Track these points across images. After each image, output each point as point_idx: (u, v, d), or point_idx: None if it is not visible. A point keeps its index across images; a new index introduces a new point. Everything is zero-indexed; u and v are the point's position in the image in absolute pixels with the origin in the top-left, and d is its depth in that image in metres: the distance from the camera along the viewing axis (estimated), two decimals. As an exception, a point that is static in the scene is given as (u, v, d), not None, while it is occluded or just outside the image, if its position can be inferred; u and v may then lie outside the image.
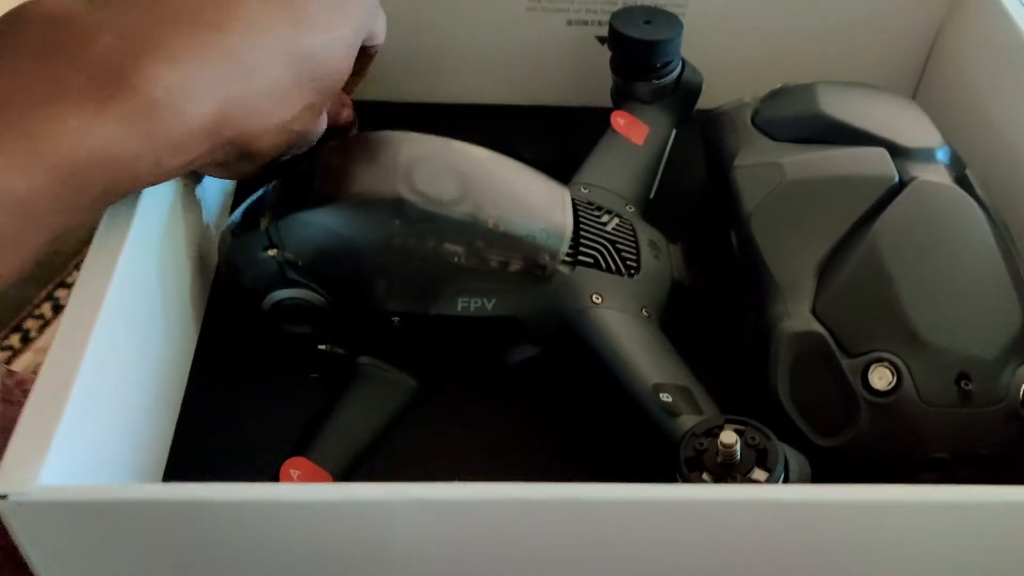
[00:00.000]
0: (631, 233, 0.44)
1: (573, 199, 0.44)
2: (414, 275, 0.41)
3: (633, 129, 0.50)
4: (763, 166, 0.43)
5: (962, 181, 0.42)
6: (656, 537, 0.30)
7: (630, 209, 0.46)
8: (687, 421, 0.36)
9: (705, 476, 0.33)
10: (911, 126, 0.44)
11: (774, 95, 0.48)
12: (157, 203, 0.38)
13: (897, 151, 0.42)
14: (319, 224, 0.40)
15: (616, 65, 0.52)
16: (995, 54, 0.51)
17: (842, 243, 0.39)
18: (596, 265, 0.42)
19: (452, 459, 0.41)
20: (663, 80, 0.51)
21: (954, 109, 0.54)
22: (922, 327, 0.36)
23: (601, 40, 0.56)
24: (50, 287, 1.19)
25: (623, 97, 0.52)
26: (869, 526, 0.30)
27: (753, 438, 0.34)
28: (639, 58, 0.50)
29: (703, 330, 0.45)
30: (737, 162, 0.44)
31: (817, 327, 0.38)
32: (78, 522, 0.29)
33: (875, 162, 0.41)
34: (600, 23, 0.56)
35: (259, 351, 0.44)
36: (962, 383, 0.36)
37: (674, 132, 0.52)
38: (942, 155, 0.43)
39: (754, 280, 0.41)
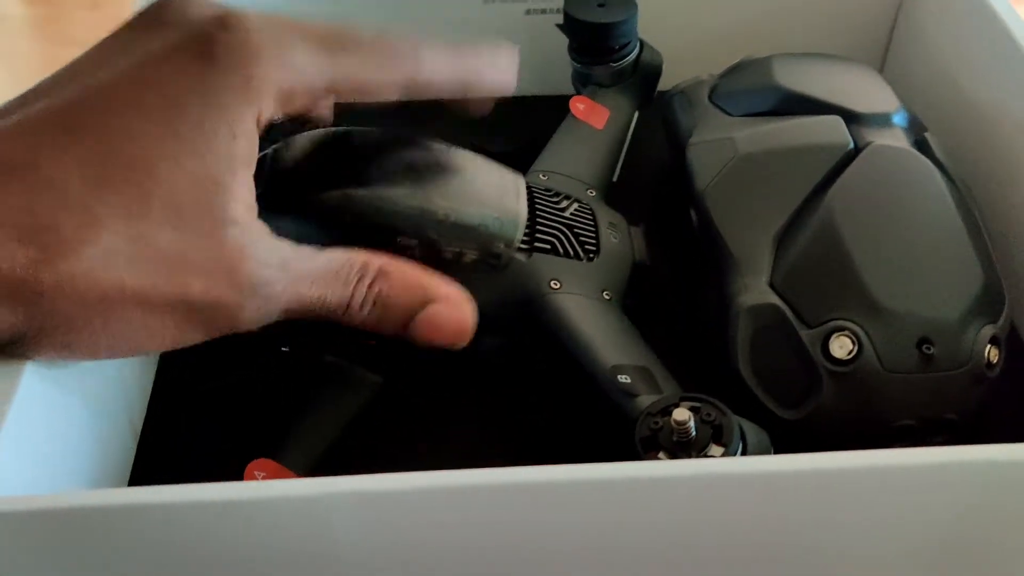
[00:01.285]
0: (590, 217, 0.43)
1: (529, 186, 0.43)
2: None
3: (593, 114, 0.50)
4: (716, 142, 0.42)
5: (921, 145, 0.41)
6: (611, 518, 0.30)
7: (591, 193, 0.46)
8: (645, 401, 0.36)
9: (661, 455, 0.33)
10: (867, 91, 0.43)
11: (731, 71, 0.48)
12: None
13: (852, 117, 0.41)
14: (274, 223, 0.39)
15: (574, 50, 0.51)
16: (959, 21, 0.50)
17: (798, 214, 0.39)
18: (553, 251, 0.41)
19: (421, 454, 0.41)
20: (621, 63, 0.51)
21: (922, 78, 0.53)
22: (881, 293, 0.36)
23: (561, 28, 0.56)
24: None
25: (583, 82, 0.52)
26: (827, 495, 0.29)
27: (709, 414, 0.33)
28: (595, 41, 0.50)
29: (666, 310, 0.44)
30: (692, 139, 0.44)
31: (774, 299, 0.37)
32: (23, 533, 0.28)
33: (829, 130, 0.41)
34: (558, 11, 0.55)
35: (223, 354, 0.44)
36: (924, 347, 0.35)
37: (636, 114, 0.52)
38: (899, 119, 0.42)
39: (713, 257, 0.40)
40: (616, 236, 0.43)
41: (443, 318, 0.37)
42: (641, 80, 0.52)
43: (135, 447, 0.41)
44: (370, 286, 0.36)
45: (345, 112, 0.41)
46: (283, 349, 0.44)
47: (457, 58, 0.39)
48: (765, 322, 0.37)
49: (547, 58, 0.56)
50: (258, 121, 0.34)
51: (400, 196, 0.40)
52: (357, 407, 0.42)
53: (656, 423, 0.33)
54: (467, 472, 0.28)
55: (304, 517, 0.29)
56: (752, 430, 0.34)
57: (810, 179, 0.39)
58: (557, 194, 0.44)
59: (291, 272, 0.35)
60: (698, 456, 0.32)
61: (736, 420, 0.33)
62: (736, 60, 0.50)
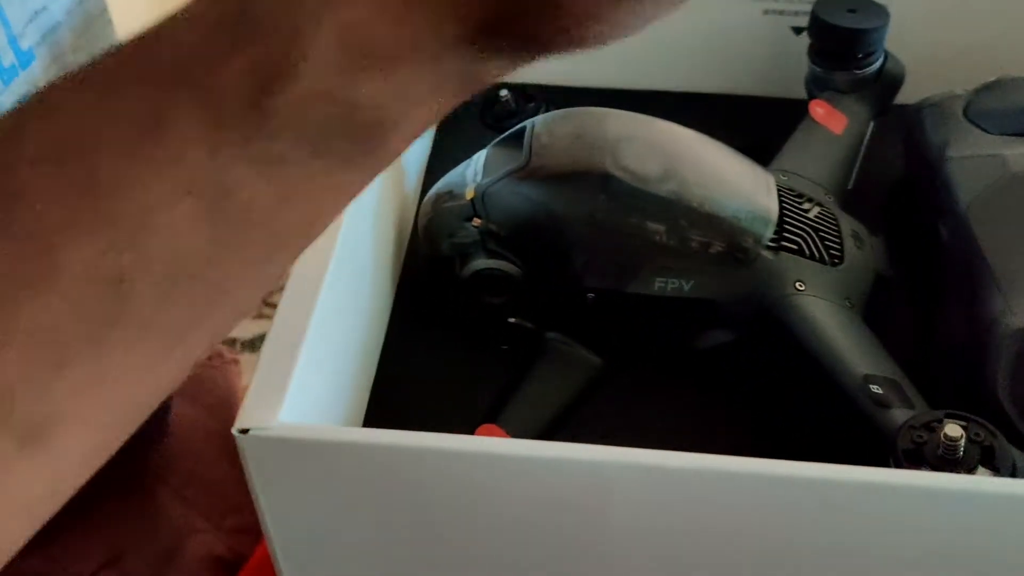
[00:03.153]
0: (834, 222, 0.43)
1: (778, 186, 0.43)
2: (614, 252, 0.41)
3: (832, 119, 0.49)
4: (981, 158, 0.41)
5: None
6: (877, 524, 0.29)
7: (829, 198, 0.45)
8: (899, 414, 0.35)
9: (924, 469, 0.32)
10: None
11: (989, 88, 0.46)
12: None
13: None
14: (525, 196, 0.40)
15: (816, 53, 0.51)
16: None
17: (1070, 239, 0.37)
18: (800, 252, 0.41)
19: (637, 440, 0.41)
20: (865, 70, 0.50)
21: None
22: None
23: (797, 30, 0.55)
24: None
25: (820, 86, 0.51)
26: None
27: (977, 434, 0.32)
28: (842, 47, 0.49)
29: (904, 324, 0.43)
30: (951, 153, 0.43)
31: (1043, 324, 0.36)
32: (305, 458, 0.30)
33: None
34: (796, 13, 0.55)
35: (451, 319, 0.45)
36: None
37: (872, 124, 0.51)
38: None
39: (967, 275, 0.39)
40: (859, 244, 0.43)
41: None
42: (881, 90, 0.50)
43: (367, 397, 0.42)
44: None
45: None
46: (510, 320, 0.44)
47: None
48: (1031, 347, 0.36)
49: (778, 61, 0.56)
50: None
51: (657, 180, 0.40)
52: (578, 387, 0.43)
53: (920, 436, 0.32)
54: (749, 461, 0.28)
55: (582, 482, 0.29)
56: (1020, 456, 0.33)
57: (1085, 205, 0.38)
58: (801, 195, 0.43)
59: None
60: (966, 474, 0.31)
61: (1008, 444, 0.32)
62: (977, 78, 0.48)
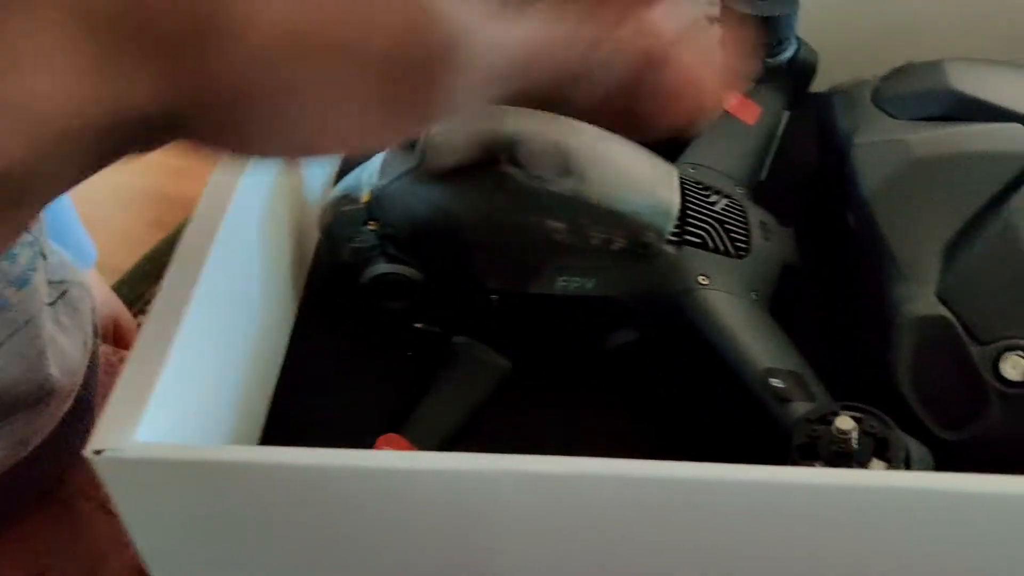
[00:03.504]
0: (741, 213, 0.42)
1: (682, 178, 0.42)
2: (514, 252, 0.39)
3: (745, 109, 0.48)
4: (885, 143, 0.40)
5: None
6: (765, 522, 0.28)
7: (740, 190, 0.44)
8: (799, 407, 0.34)
9: (818, 464, 0.31)
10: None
11: (896, 73, 0.46)
12: (261, 173, 0.38)
13: (1034, 126, 0.39)
14: (420, 197, 0.39)
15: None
16: None
17: (972, 223, 0.37)
18: (703, 245, 0.40)
19: (545, 444, 0.40)
20: (776, 59, 0.49)
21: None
22: (1063, 313, 0.33)
23: (711, 20, 0.54)
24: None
25: None
26: (1003, 519, 0.27)
27: (872, 426, 0.31)
28: (753, 35, 0.48)
29: (813, 315, 0.43)
30: (857, 140, 0.42)
31: (944, 311, 0.35)
32: (168, 479, 0.28)
33: (1010, 138, 0.38)
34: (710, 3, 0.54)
35: (356, 326, 0.43)
36: (1105, 375, 0.33)
37: (787, 114, 0.50)
38: (1084, 132, 0.40)
39: (873, 263, 0.38)
40: (767, 235, 0.42)
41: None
42: (795, 78, 0.50)
43: (266, 411, 0.41)
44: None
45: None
46: (416, 326, 0.43)
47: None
48: (932, 334, 0.35)
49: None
50: None
51: (555, 177, 0.39)
52: (485, 390, 0.42)
53: (814, 431, 0.32)
54: (635, 463, 0.27)
55: (469, 490, 0.28)
56: (915, 446, 0.32)
57: (988, 188, 0.37)
58: (708, 188, 0.42)
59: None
60: (858, 469, 0.31)
61: (902, 435, 0.31)
62: (888, 65, 0.47)
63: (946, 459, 0.34)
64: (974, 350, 0.34)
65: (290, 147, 0.23)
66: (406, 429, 0.39)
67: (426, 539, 0.30)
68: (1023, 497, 0.26)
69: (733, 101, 0.48)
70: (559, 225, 0.39)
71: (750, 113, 0.48)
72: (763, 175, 0.47)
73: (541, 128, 0.41)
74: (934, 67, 0.44)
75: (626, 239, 0.39)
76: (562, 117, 0.42)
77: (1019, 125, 0.39)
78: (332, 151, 0.24)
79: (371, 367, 0.43)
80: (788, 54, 0.49)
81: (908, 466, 0.31)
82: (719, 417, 0.39)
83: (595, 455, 0.39)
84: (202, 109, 0.21)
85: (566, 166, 0.39)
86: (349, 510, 0.29)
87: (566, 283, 0.40)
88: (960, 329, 0.35)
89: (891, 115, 0.43)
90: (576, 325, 0.42)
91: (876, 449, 0.31)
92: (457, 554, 0.30)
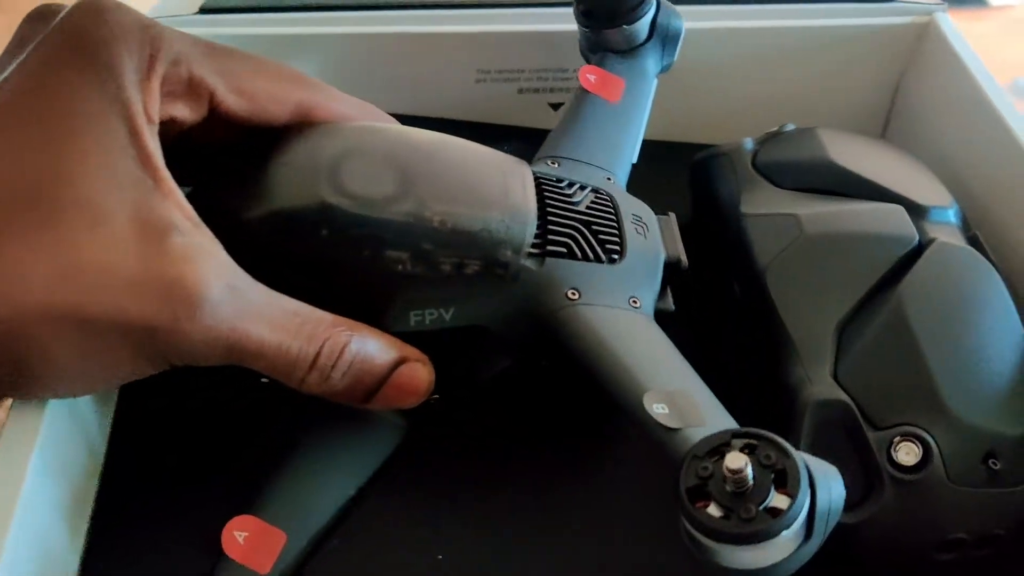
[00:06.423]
0: (610, 209, 0.37)
1: (537, 176, 0.37)
2: (354, 292, 0.34)
3: (607, 85, 0.44)
4: (777, 216, 0.40)
5: (975, 242, 0.41)
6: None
7: (609, 180, 0.40)
8: (692, 435, 0.29)
9: (712, 508, 0.26)
10: (921, 183, 0.42)
11: (773, 138, 0.46)
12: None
13: (912, 208, 0.40)
14: (243, 244, 0.33)
15: (583, 14, 0.45)
16: (954, 106, 0.49)
17: (863, 304, 0.37)
18: (570, 254, 0.35)
19: (425, 497, 0.36)
20: (635, 24, 0.44)
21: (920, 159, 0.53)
22: (953, 401, 0.34)
23: (554, 107, 0.53)
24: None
25: (593, 50, 0.46)
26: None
27: (768, 456, 0.26)
28: (606, 1, 0.44)
29: (705, 312, 0.40)
30: (745, 209, 0.42)
31: (842, 395, 0.35)
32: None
33: (895, 220, 0.39)
34: (551, 90, 0.53)
35: (191, 394, 0.38)
36: (990, 462, 0.34)
37: (655, 83, 0.46)
38: (954, 215, 0.41)
39: (767, 336, 0.38)
40: (643, 230, 0.37)
41: (419, 376, 0.34)
42: (660, 44, 0.45)
43: (93, 495, 0.35)
44: (344, 346, 0.32)
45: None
46: (263, 380, 0.38)
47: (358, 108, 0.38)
48: (831, 417, 0.35)
49: (539, 134, 0.52)
50: (148, 113, 0.31)
51: (386, 201, 0.34)
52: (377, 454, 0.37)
53: (705, 468, 0.27)
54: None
55: None
56: (821, 470, 0.27)
57: (876, 270, 0.38)
58: (571, 184, 0.38)
59: (244, 301, 0.30)
60: (758, 508, 0.26)
61: (802, 462, 0.26)
62: (742, 130, 0.47)
63: (842, 542, 0.34)
64: (871, 435, 0.35)
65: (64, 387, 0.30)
66: (261, 507, 0.34)
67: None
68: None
69: (592, 78, 0.44)
70: (401, 255, 0.33)
71: (613, 90, 0.44)
72: (635, 157, 0.43)
73: (368, 144, 0.35)
74: (810, 136, 0.45)
75: (480, 260, 0.34)
76: (394, 126, 0.37)
77: (900, 208, 0.40)
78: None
79: (216, 442, 0.38)
80: (648, 17, 0.45)
81: (814, 492, 0.27)
82: (612, 449, 0.36)
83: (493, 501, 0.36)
84: None
85: (400, 186, 0.34)
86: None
87: (420, 318, 0.35)
88: (858, 413, 0.35)
89: (774, 183, 0.43)
90: (442, 360, 0.36)
91: (776, 480, 0.26)
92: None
